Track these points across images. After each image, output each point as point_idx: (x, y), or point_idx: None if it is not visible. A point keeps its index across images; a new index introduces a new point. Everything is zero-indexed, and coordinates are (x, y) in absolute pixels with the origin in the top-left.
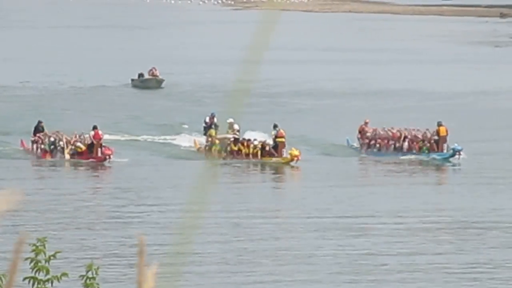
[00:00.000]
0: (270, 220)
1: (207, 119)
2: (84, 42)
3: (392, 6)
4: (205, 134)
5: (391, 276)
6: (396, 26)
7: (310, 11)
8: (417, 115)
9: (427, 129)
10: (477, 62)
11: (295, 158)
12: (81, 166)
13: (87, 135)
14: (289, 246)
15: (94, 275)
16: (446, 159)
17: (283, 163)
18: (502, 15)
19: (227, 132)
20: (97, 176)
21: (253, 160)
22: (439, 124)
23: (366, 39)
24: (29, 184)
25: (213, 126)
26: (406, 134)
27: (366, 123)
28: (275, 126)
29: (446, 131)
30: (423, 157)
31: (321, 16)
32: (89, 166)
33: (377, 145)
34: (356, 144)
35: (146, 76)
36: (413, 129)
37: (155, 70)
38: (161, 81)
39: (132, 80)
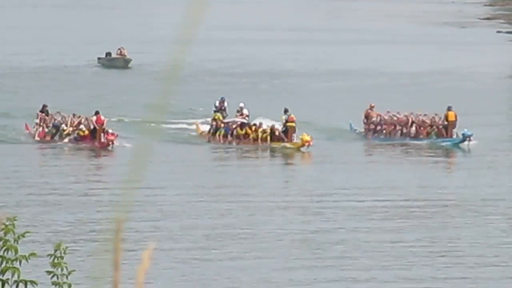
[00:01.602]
0: (270, 203)
1: (217, 103)
2: (50, 21)
3: None
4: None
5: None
6: (363, 7)
7: None
8: (382, 95)
9: (436, 114)
10: (442, 42)
11: (306, 144)
12: (82, 150)
13: (92, 119)
14: (294, 229)
15: (62, 255)
16: (456, 145)
17: (293, 148)
18: None
19: (236, 117)
20: (88, 158)
21: (261, 145)
22: (448, 109)
23: (332, 20)
24: (12, 164)
25: (222, 110)
26: (414, 119)
27: (371, 107)
28: (286, 111)
29: (455, 116)
30: (431, 142)
31: None
32: (91, 151)
33: (383, 131)
34: (359, 129)
35: (114, 55)
36: (420, 114)
37: (123, 49)
38: (128, 60)
39: (99, 58)
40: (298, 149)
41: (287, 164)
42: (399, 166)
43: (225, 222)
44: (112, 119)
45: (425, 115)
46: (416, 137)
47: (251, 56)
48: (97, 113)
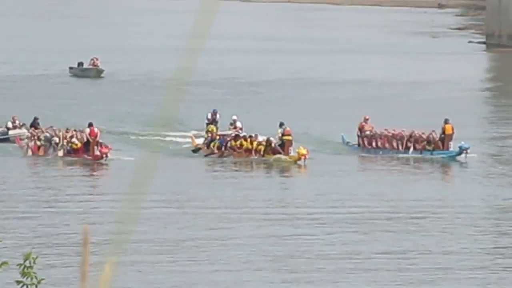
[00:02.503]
0: (263, 215)
1: (209, 115)
2: (20, 30)
3: None
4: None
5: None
6: (334, 17)
7: (249, 1)
8: (355, 105)
9: (433, 131)
10: (414, 52)
11: (303, 157)
12: (75, 164)
13: (85, 131)
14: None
15: (32, 264)
16: (453, 158)
17: (290, 161)
18: (440, 6)
19: (229, 129)
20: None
21: (257, 157)
22: (446, 122)
23: (304, 29)
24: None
25: (214, 123)
26: (410, 134)
27: (365, 120)
28: (281, 124)
29: (452, 129)
30: (427, 155)
31: (259, 6)
32: (84, 164)
33: (378, 143)
34: (352, 141)
35: (86, 65)
36: (417, 132)
37: (96, 59)
38: (101, 71)
39: (71, 68)
40: (294, 162)
41: (282, 176)
42: (391, 178)
43: (213, 234)
44: (102, 130)
45: (422, 133)
46: (412, 150)
47: (222, 65)
48: (90, 125)
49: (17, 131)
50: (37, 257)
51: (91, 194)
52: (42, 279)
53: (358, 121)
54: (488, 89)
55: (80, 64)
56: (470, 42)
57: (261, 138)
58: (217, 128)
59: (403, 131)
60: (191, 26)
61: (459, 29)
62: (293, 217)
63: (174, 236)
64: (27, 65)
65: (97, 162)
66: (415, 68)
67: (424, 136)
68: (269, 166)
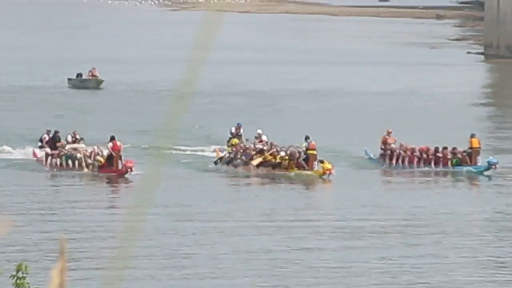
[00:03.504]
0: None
1: (233, 129)
2: (17, 42)
3: (329, 7)
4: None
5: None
6: (333, 27)
7: (247, 12)
8: (353, 115)
9: (455, 148)
10: (413, 63)
11: (328, 172)
12: (100, 179)
13: (108, 145)
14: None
15: (24, 275)
16: (481, 172)
17: (315, 176)
18: (438, 17)
19: (254, 143)
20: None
21: (281, 172)
22: (472, 136)
23: (303, 40)
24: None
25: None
26: (435, 149)
27: (388, 133)
28: (306, 138)
29: (479, 142)
30: (454, 169)
31: (258, 17)
32: (109, 179)
33: (400, 157)
34: (374, 155)
35: (85, 76)
36: (441, 148)
37: (95, 70)
38: (100, 81)
39: (69, 79)
40: (319, 177)
41: (305, 190)
42: (418, 192)
43: (233, 247)
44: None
45: (445, 148)
46: (437, 164)
47: (219, 76)
48: (112, 138)
49: (74, 145)
50: (27, 267)
51: (111, 208)
52: None
53: (358, 132)
54: (486, 99)
55: (79, 75)
56: (468, 52)
57: (283, 153)
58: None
59: (426, 147)
60: (189, 37)
61: (457, 40)
62: (315, 229)
63: (191, 250)
64: (25, 76)
65: (122, 176)
66: (414, 79)
67: (448, 151)
68: (292, 181)
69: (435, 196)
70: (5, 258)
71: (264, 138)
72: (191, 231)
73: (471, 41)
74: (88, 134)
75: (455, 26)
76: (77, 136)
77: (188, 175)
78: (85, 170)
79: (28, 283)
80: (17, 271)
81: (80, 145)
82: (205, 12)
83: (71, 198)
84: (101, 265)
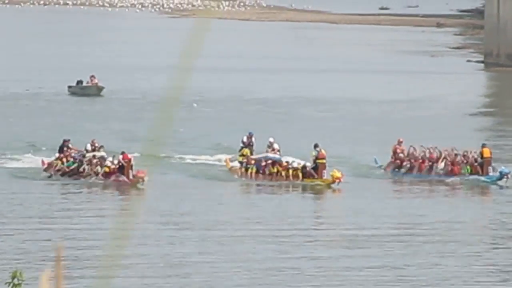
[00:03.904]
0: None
1: (245, 139)
2: (17, 48)
3: (329, 15)
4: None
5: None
6: (334, 35)
7: (248, 19)
8: (352, 123)
9: (466, 151)
10: (413, 71)
11: (337, 180)
12: (109, 187)
13: (119, 157)
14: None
15: (20, 281)
16: (493, 182)
17: (324, 185)
18: (439, 25)
19: (267, 152)
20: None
21: (293, 181)
22: (483, 146)
23: (304, 48)
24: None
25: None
26: (445, 155)
27: (399, 143)
28: (315, 146)
29: (490, 152)
30: (466, 179)
31: (258, 25)
32: (119, 187)
33: (409, 166)
34: (384, 164)
35: (85, 83)
36: (452, 150)
37: (94, 78)
38: (101, 88)
39: (70, 87)
40: (328, 185)
41: (314, 199)
42: (428, 201)
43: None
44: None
45: (456, 152)
46: (447, 174)
47: (221, 83)
48: (122, 153)
49: (95, 153)
50: (21, 273)
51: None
52: None
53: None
54: (487, 108)
55: (80, 82)
56: (468, 61)
57: (295, 164)
58: (251, 152)
59: (438, 151)
60: (188, 45)
61: (457, 48)
62: (318, 238)
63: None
64: (25, 83)
65: (132, 186)
66: (414, 87)
67: (460, 158)
68: (302, 189)
69: (445, 206)
70: (1, 266)
71: (276, 146)
72: (190, 239)
73: (471, 50)
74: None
75: (455, 34)
76: (96, 144)
77: (192, 184)
78: (93, 178)
79: None
80: (13, 278)
81: (100, 153)
82: (197, 19)
83: (72, 206)
84: (95, 272)
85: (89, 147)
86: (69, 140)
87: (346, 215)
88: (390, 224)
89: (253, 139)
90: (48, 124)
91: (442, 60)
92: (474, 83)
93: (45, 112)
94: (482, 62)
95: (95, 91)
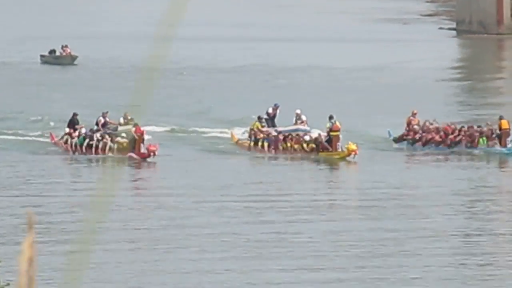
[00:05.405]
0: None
1: (270, 110)
2: None
3: None
4: (269, 126)
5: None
6: (306, 3)
7: None
8: (322, 92)
9: (480, 126)
10: (385, 39)
11: (353, 153)
12: (122, 162)
13: (131, 130)
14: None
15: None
16: (511, 154)
17: (339, 158)
18: None
19: (296, 124)
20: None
21: (307, 155)
22: (501, 118)
23: (276, 16)
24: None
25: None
26: (462, 129)
27: (413, 114)
28: (330, 118)
29: (509, 123)
30: (484, 150)
31: None
32: (131, 162)
33: (424, 138)
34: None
35: (58, 52)
36: (468, 125)
37: (67, 47)
38: (75, 57)
39: (42, 56)
40: (344, 158)
41: (328, 172)
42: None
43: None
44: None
45: (470, 126)
46: (464, 146)
47: (195, 52)
48: (135, 124)
49: (126, 127)
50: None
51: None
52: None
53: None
54: (458, 74)
55: (52, 51)
56: (440, 28)
57: (308, 138)
58: (262, 126)
59: (452, 125)
60: (162, 13)
61: (429, 15)
62: (340, 206)
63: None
64: None
65: (144, 160)
66: (386, 55)
67: (476, 131)
68: (316, 162)
69: (464, 175)
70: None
71: (303, 117)
72: (191, 207)
73: (443, 17)
74: (67, 111)
75: (427, 1)
76: (129, 117)
77: (200, 157)
78: (105, 151)
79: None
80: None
81: (128, 126)
82: None
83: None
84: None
85: (122, 120)
86: (77, 115)
87: (359, 186)
88: (407, 194)
89: (278, 110)
90: (19, 93)
91: (414, 28)
92: (446, 50)
93: (16, 82)
94: (454, 29)
95: (69, 60)
